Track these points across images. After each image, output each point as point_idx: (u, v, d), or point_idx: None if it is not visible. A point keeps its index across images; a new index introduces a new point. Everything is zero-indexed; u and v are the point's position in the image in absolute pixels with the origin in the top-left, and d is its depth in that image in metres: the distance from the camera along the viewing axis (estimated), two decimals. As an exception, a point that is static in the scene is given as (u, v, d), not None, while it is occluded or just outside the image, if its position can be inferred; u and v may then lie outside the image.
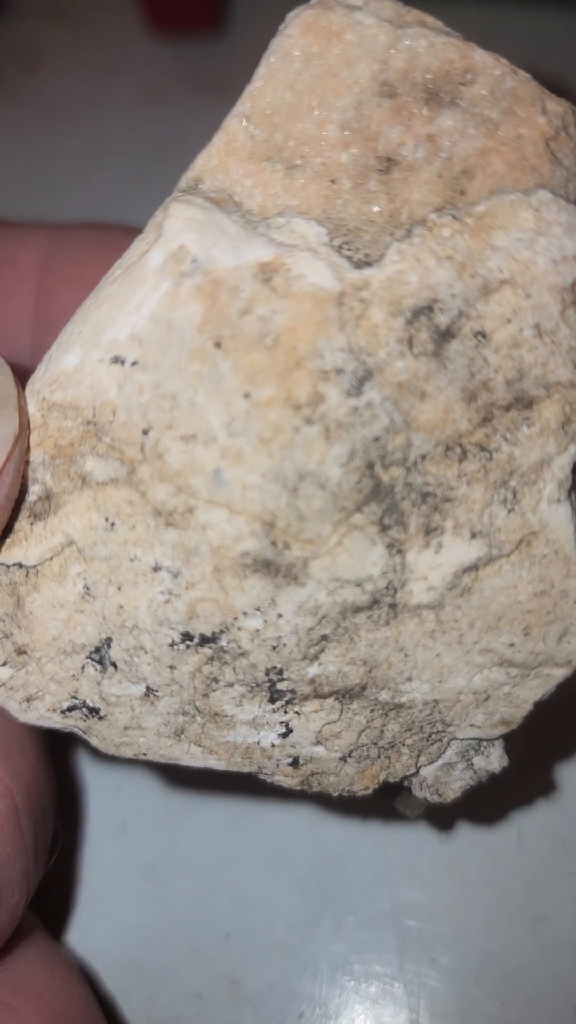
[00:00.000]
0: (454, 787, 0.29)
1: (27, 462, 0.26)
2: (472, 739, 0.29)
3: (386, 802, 0.33)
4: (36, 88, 0.74)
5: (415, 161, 0.25)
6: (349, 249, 0.25)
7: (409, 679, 0.27)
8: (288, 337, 0.24)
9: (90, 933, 0.45)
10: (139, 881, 0.46)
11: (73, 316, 0.26)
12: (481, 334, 0.25)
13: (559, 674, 0.27)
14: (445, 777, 0.29)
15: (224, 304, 0.24)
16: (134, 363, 0.24)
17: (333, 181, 0.25)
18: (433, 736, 0.28)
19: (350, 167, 0.25)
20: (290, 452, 0.25)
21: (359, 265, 0.25)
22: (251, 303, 0.24)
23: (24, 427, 0.25)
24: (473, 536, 0.26)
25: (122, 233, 0.37)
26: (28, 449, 0.26)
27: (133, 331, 0.24)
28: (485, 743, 0.29)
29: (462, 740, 0.29)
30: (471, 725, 0.28)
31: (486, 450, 0.26)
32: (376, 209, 0.25)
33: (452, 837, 0.46)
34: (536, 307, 0.25)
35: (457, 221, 0.25)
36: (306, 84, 0.25)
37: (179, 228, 0.24)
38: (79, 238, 0.38)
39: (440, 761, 0.29)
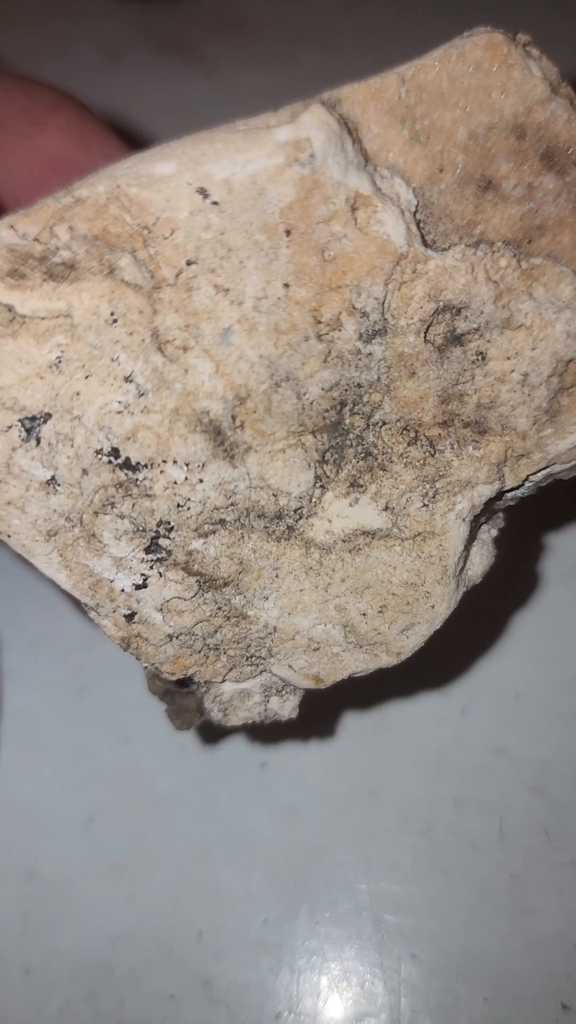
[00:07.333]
0: (240, 715, 0.31)
1: (70, 227, 0.26)
2: (281, 679, 0.31)
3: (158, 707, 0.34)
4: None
5: (509, 195, 0.29)
6: (425, 227, 0.28)
7: (266, 598, 0.29)
8: (345, 262, 0.27)
9: (56, 933, 0.43)
10: (106, 878, 0.44)
11: (181, 138, 0.27)
12: (482, 355, 0.28)
13: (384, 660, 0.30)
14: (238, 702, 0.31)
15: (313, 204, 0.26)
16: (215, 203, 0.26)
17: (440, 170, 0.28)
18: (254, 658, 0.30)
19: (459, 167, 0.28)
20: (292, 352, 0.27)
21: (427, 244, 0.28)
22: (333, 217, 0.26)
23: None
24: (385, 508, 0.29)
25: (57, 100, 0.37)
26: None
27: (231, 177, 0.26)
28: (288, 689, 0.31)
29: (272, 675, 0.31)
30: (289, 666, 0.30)
31: (433, 447, 0.29)
32: (461, 210, 0.29)
33: (432, 829, 0.45)
34: (534, 360, 0.28)
35: (515, 259, 0.28)
36: (464, 86, 0.28)
37: (313, 124, 0.26)
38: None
39: (244, 684, 0.31)
